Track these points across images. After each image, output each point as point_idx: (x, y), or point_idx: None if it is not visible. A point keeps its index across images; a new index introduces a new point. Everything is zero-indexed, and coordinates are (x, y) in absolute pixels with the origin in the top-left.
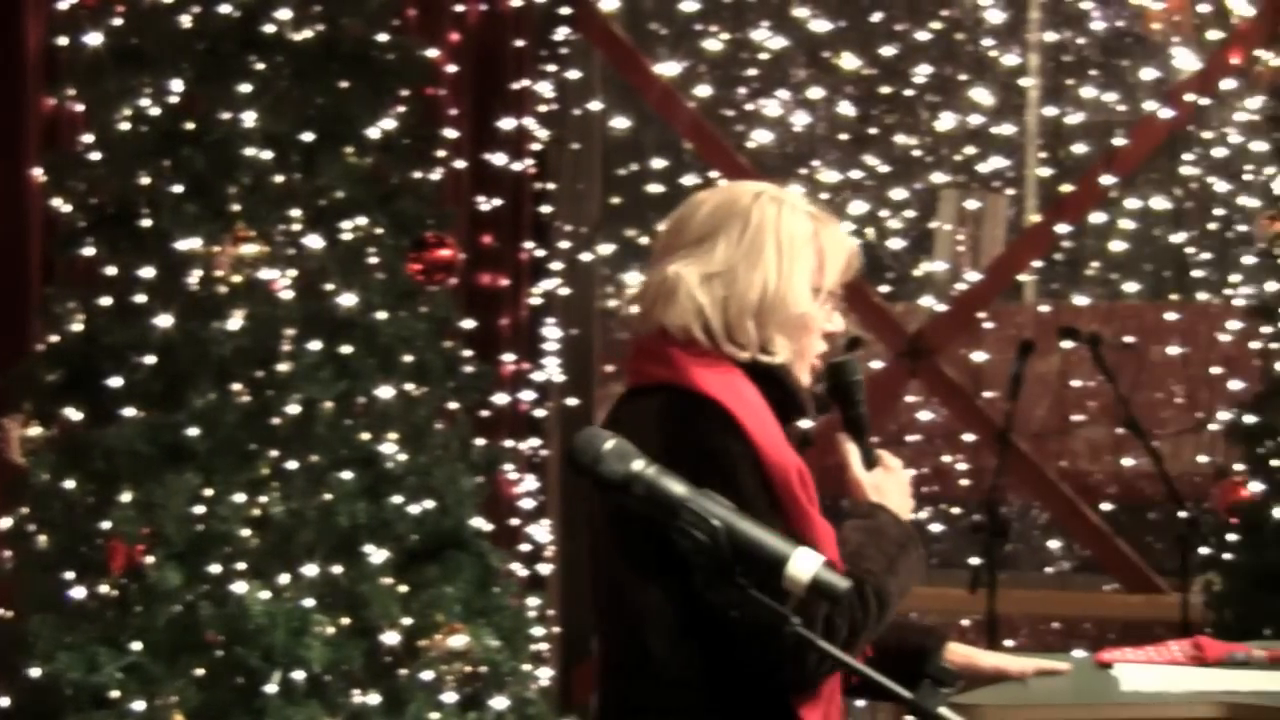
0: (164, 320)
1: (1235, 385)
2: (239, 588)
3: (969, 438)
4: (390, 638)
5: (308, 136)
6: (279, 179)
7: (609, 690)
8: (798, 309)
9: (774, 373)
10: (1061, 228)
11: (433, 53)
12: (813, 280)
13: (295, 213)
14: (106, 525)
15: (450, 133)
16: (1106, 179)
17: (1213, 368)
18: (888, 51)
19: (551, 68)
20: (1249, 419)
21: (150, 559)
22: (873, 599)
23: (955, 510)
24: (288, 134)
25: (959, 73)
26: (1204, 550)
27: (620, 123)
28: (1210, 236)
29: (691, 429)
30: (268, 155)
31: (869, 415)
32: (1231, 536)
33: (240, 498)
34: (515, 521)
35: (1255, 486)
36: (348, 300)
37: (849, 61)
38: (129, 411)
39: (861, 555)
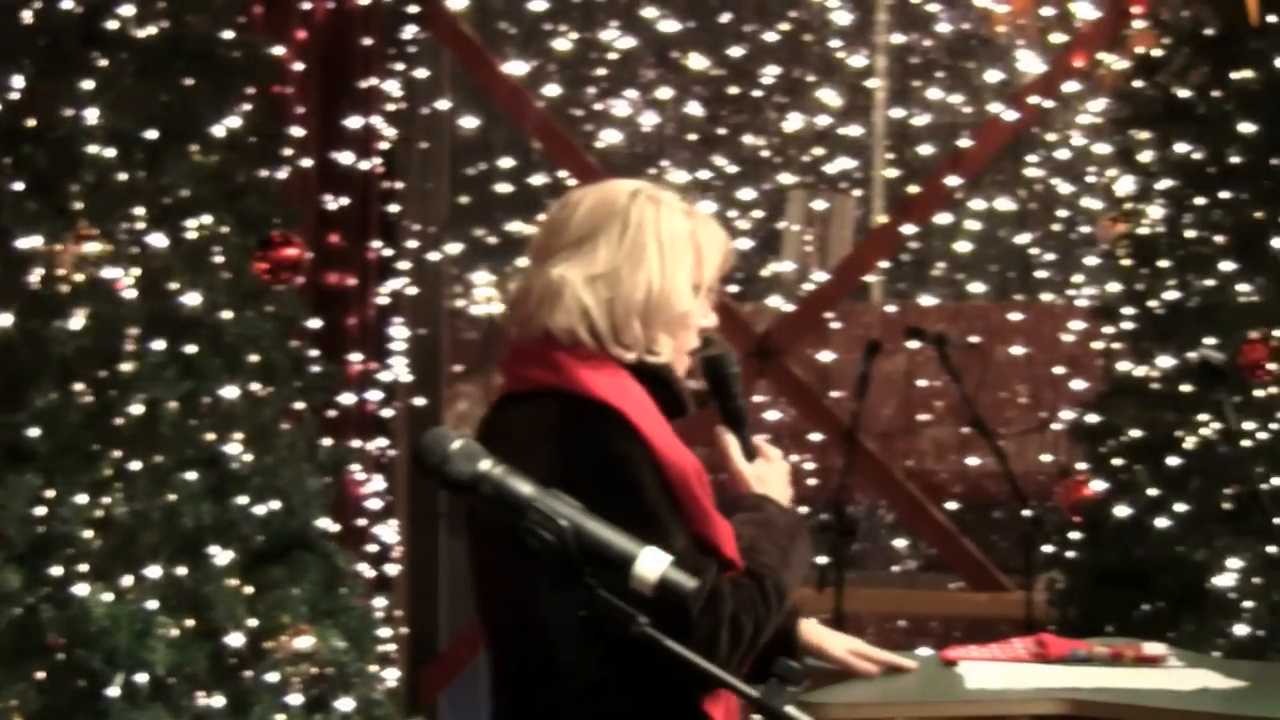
0: (4, 319)
1: (1078, 385)
2: (81, 590)
3: (816, 437)
4: (235, 639)
5: (152, 134)
6: (122, 177)
7: (508, 699)
8: (681, 307)
9: (660, 373)
10: (908, 228)
11: (279, 50)
12: (693, 277)
13: (139, 211)
14: None
15: (297, 131)
16: (952, 180)
17: (1056, 368)
18: (736, 52)
19: (399, 66)
20: (1091, 418)
21: None
22: (773, 592)
23: (803, 509)
24: (131, 131)
25: (807, 74)
26: (1047, 548)
27: (469, 122)
28: (1054, 238)
29: (590, 436)
30: (111, 153)
31: (746, 407)
32: (1074, 535)
33: (83, 498)
34: (362, 522)
35: (1097, 485)
36: (192, 299)
37: (697, 62)
38: None
39: (756, 549)
